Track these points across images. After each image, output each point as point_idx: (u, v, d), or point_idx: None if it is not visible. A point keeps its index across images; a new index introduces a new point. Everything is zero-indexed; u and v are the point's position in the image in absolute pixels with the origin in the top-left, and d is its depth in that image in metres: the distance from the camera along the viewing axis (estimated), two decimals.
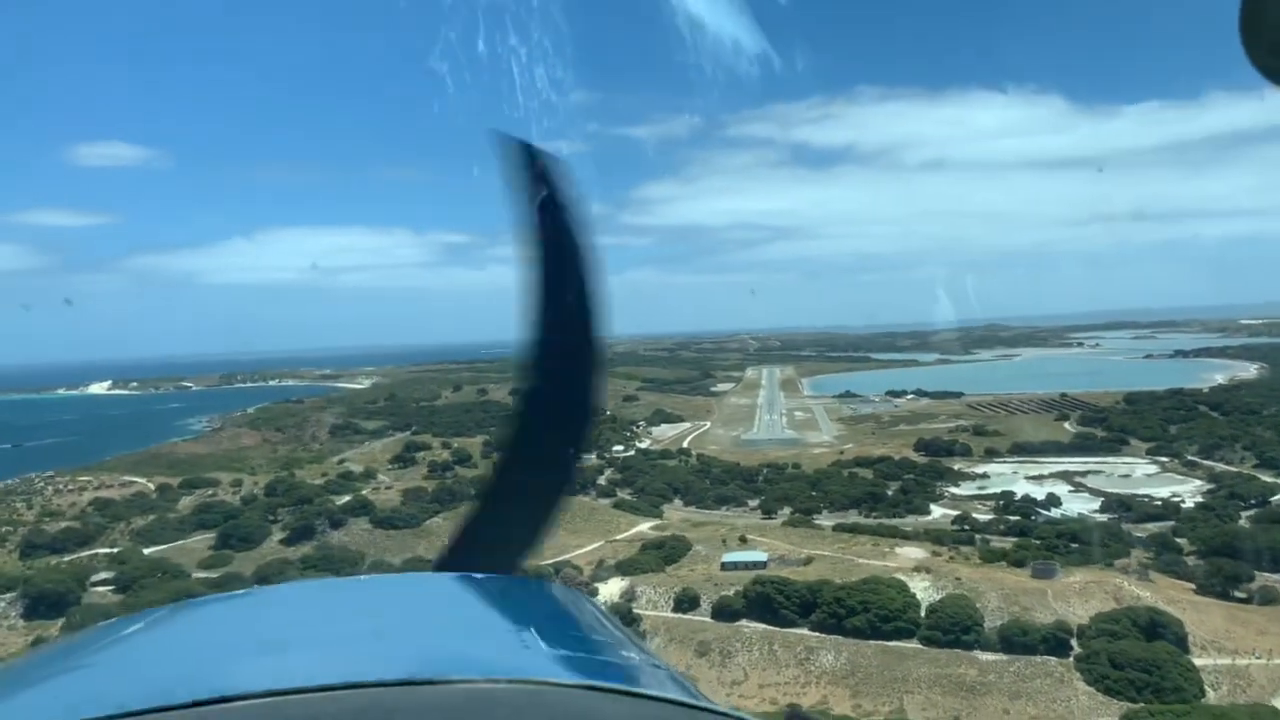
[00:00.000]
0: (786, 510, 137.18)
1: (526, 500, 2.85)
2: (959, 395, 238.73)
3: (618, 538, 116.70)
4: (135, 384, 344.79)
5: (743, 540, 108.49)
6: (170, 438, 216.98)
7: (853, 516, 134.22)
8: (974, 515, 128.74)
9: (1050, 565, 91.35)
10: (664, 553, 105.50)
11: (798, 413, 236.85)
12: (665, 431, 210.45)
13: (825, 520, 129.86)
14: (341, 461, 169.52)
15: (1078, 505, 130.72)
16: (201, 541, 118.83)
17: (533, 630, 1.75)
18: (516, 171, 2.75)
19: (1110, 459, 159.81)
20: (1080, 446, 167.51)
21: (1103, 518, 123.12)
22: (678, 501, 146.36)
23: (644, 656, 1.76)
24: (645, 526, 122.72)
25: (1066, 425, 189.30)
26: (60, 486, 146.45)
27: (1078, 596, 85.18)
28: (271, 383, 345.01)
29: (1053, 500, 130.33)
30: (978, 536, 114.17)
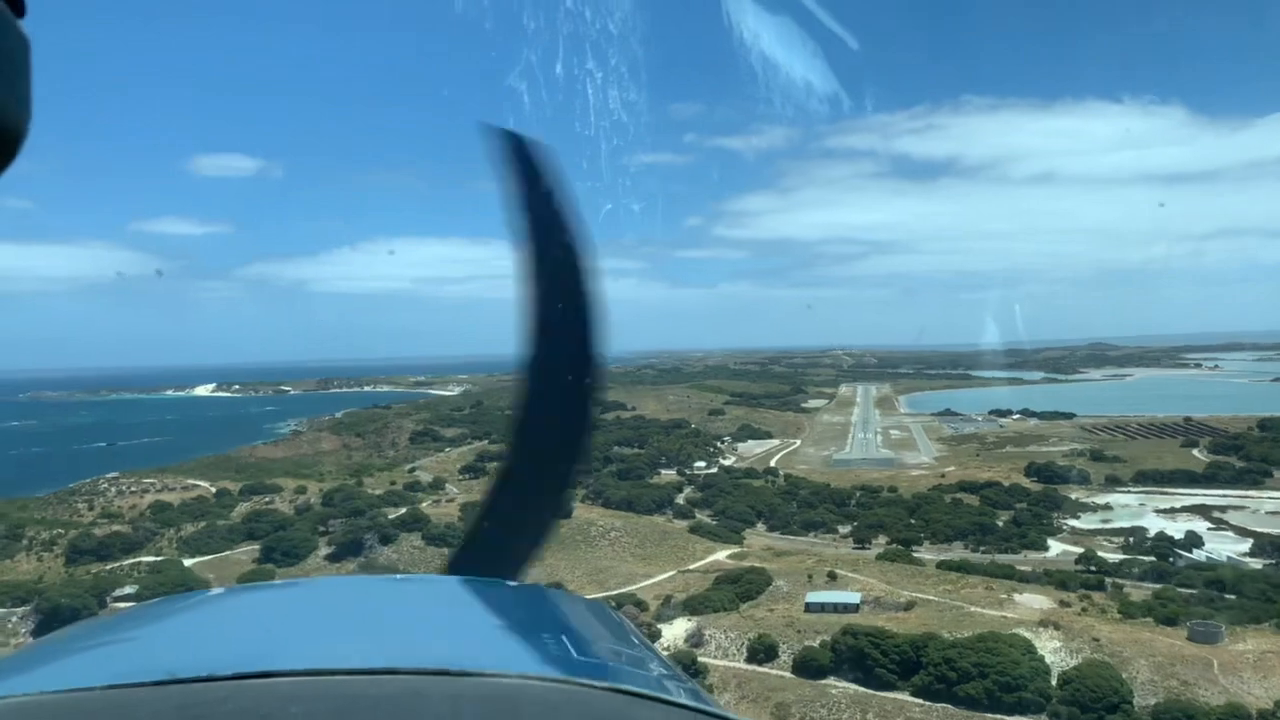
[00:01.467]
0: (882, 540, 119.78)
1: (526, 510, 2.85)
2: (1070, 416, 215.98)
3: (691, 567, 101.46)
4: (237, 387, 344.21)
5: (831, 577, 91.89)
6: (255, 440, 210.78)
7: (958, 550, 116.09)
8: (1099, 553, 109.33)
9: (1213, 626, 72.43)
10: (740, 587, 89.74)
11: (894, 431, 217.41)
12: (752, 448, 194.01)
13: (927, 554, 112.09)
14: (413, 469, 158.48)
15: (1223, 546, 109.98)
16: (247, 553, 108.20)
17: (560, 634, 1.76)
18: (505, 163, 2.67)
19: (1253, 492, 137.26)
20: (1215, 477, 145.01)
21: (1257, 563, 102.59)
22: (761, 526, 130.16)
23: (667, 668, 1.73)
24: (723, 554, 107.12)
25: (1195, 453, 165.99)
26: (125, 488, 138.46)
27: (1253, 670, 66.37)
28: (367, 388, 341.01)
29: (1193, 540, 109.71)
30: (1108, 580, 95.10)
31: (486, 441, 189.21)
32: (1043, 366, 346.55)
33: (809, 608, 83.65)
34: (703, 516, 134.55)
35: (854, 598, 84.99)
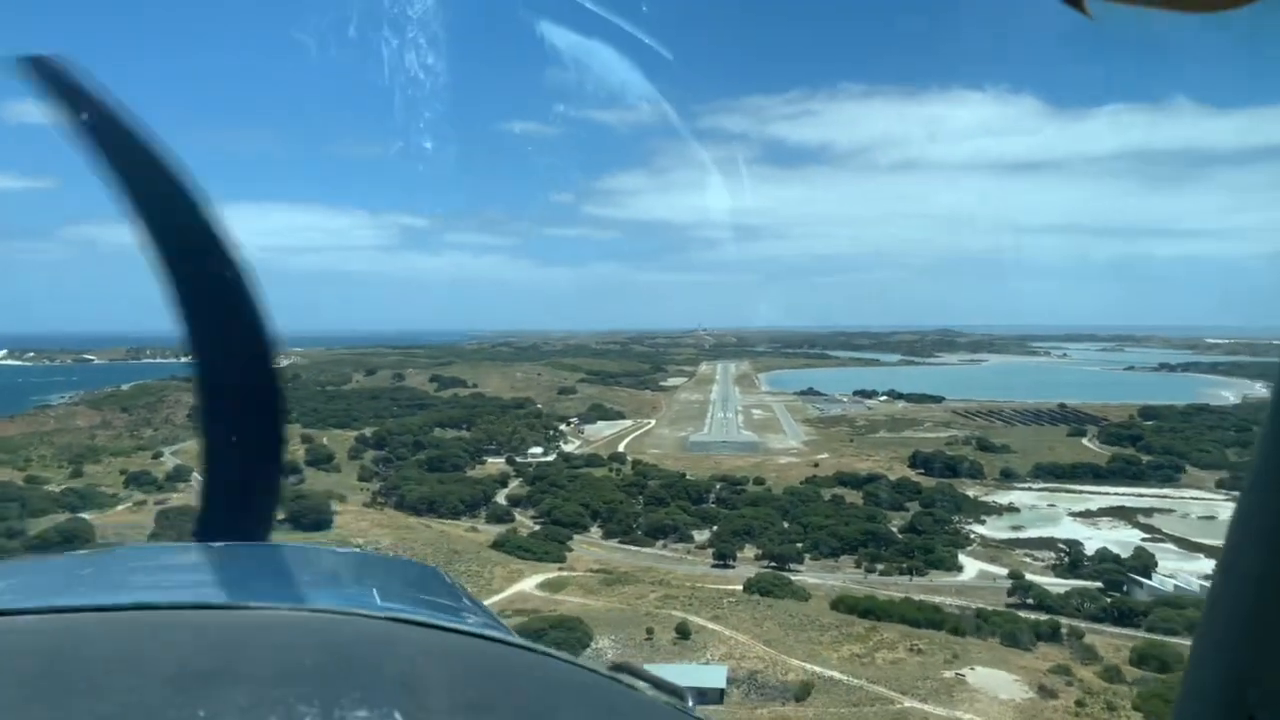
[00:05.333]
0: (750, 552, 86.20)
1: (238, 511, 2.33)
2: (939, 400, 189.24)
3: None
4: (31, 354, 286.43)
5: (682, 635, 56.78)
6: (10, 412, 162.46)
7: (848, 569, 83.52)
8: (1027, 574, 78.66)
9: None
10: None
11: (756, 411, 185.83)
12: (601, 430, 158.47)
13: (809, 575, 79.01)
14: (158, 456, 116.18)
15: (1174, 565, 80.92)
16: None
17: (360, 583, 1.74)
18: (47, 95, 2.07)
19: (1169, 491, 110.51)
20: (1122, 473, 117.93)
21: None
22: (596, 531, 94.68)
23: (476, 609, 1.68)
24: (533, 583, 70.85)
25: (1086, 442, 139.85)
26: None
27: None
28: (184, 359, 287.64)
29: (1144, 559, 79.86)
30: (1061, 625, 63.63)
31: None
32: (897, 349, 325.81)
33: None
34: (524, 519, 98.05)
35: (717, 675, 50.05)
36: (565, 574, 74.03)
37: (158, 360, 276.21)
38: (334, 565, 2.05)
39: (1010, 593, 72.13)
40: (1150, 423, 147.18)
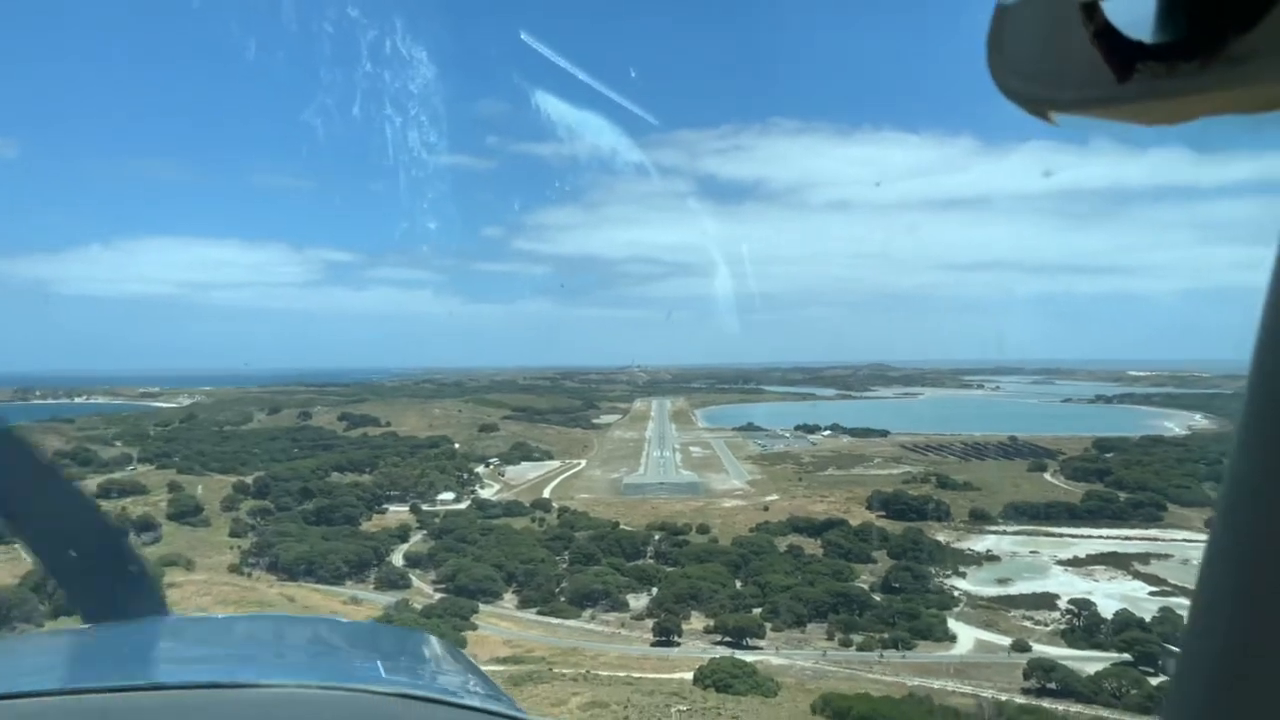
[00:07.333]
0: (698, 623, 68.60)
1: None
2: (884, 434, 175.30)
3: None
4: None
5: None
6: None
7: (817, 638, 66.50)
8: (1034, 644, 62.72)
9: None
10: None
11: (694, 449, 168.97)
12: (524, 473, 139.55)
13: (773, 652, 61.78)
14: None
15: None
16: None
17: (361, 656, 1.73)
18: None
19: (1156, 532, 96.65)
20: (1100, 512, 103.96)
21: None
22: (509, 599, 76.02)
23: (480, 682, 1.66)
24: None
25: (1049, 478, 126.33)
26: None
27: None
28: (79, 399, 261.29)
29: (1171, 624, 64.60)
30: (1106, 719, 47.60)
31: (154, 465, 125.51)
32: (832, 384, 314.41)
33: None
34: (423, 584, 78.90)
35: None
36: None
37: (45, 402, 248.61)
38: (338, 637, 2.02)
39: (1026, 674, 55.82)
40: (1110, 455, 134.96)
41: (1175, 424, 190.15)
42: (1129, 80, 0.73)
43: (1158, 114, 0.74)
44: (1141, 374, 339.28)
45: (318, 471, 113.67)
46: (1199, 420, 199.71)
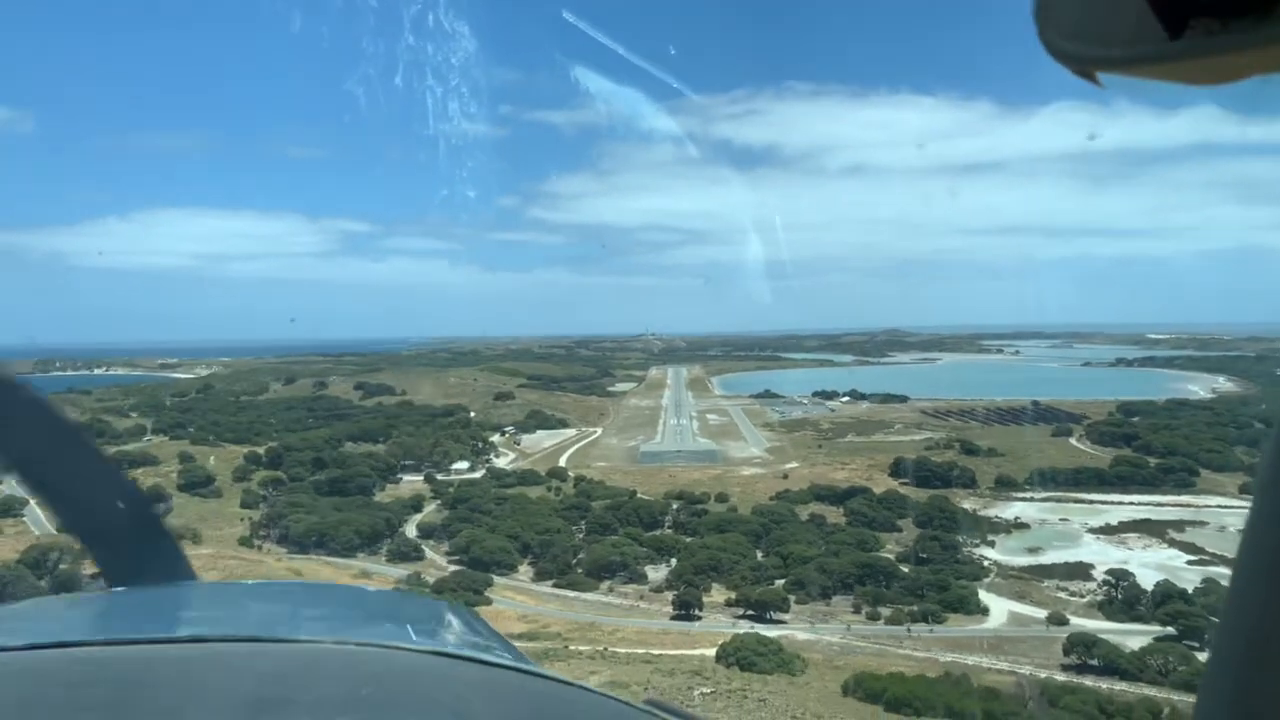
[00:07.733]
0: (719, 595, 66.06)
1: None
2: (904, 399, 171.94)
3: None
4: None
5: None
6: None
7: (843, 611, 63.87)
8: (1070, 615, 59.84)
9: None
10: None
11: (711, 416, 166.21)
12: (540, 441, 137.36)
13: (799, 627, 59.17)
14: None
15: None
16: None
17: (389, 619, 1.74)
18: None
19: (1190, 499, 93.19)
20: (1131, 478, 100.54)
21: None
22: (525, 571, 73.75)
23: (504, 647, 1.71)
24: None
25: (1075, 442, 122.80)
26: None
27: None
28: (98, 371, 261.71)
29: (1215, 593, 61.65)
30: (1159, 699, 44.71)
31: (168, 436, 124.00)
32: (849, 350, 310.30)
33: None
34: (436, 555, 76.73)
35: None
36: None
37: (66, 373, 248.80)
38: (368, 602, 2.14)
39: (1066, 650, 52.90)
40: (1135, 419, 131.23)
41: (1199, 386, 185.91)
42: (1180, 36, 0.69)
43: (1207, 72, 0.70)
44: (1162, 337, 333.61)
45: (331, 441, 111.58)
46: (1223, 383, 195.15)
